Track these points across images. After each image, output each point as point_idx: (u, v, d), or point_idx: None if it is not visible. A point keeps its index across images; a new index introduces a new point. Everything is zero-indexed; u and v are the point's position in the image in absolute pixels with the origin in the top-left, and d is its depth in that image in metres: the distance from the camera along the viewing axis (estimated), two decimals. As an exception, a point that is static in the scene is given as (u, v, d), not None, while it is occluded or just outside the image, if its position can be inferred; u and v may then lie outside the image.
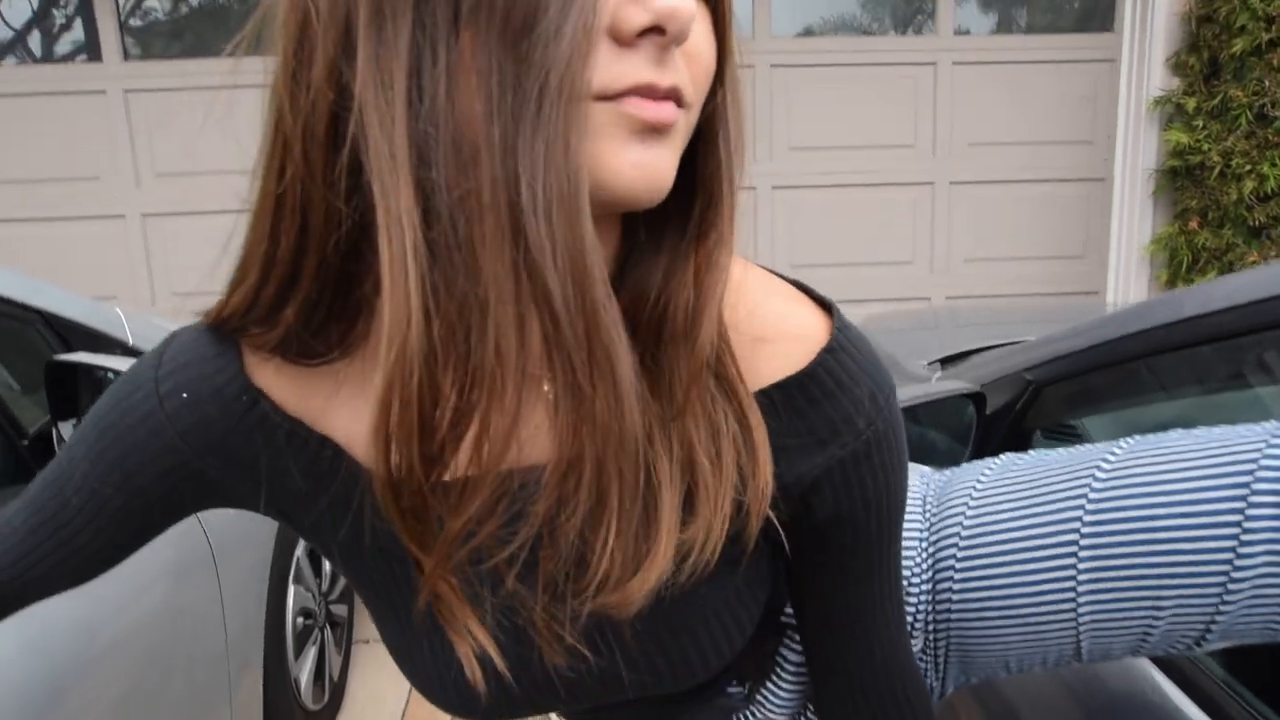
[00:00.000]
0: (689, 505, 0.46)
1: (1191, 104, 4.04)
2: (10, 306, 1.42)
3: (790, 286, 0.53)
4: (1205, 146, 4.00)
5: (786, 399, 0.49)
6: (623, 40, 0.38)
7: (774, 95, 4.37)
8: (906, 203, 4.51)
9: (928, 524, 0.73)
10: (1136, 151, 4.41)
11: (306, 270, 0.43)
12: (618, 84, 0.38)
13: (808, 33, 4.47)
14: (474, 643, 0.46)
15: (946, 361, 2.00)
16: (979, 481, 0.72)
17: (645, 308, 0.44)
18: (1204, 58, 4.04)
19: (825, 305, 0.52)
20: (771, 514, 0.51)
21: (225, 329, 0.49)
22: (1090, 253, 4.63)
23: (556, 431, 0.39)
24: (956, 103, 4.44)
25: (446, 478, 0.41)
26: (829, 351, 0.49)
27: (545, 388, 0.43)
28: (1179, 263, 4.20)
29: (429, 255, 0.37)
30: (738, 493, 0.47)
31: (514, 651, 0.52)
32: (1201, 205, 4.11)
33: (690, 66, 0.42)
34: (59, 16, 4.29)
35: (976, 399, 1.41)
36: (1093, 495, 0.62)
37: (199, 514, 1.61)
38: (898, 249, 4.54)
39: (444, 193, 0.36)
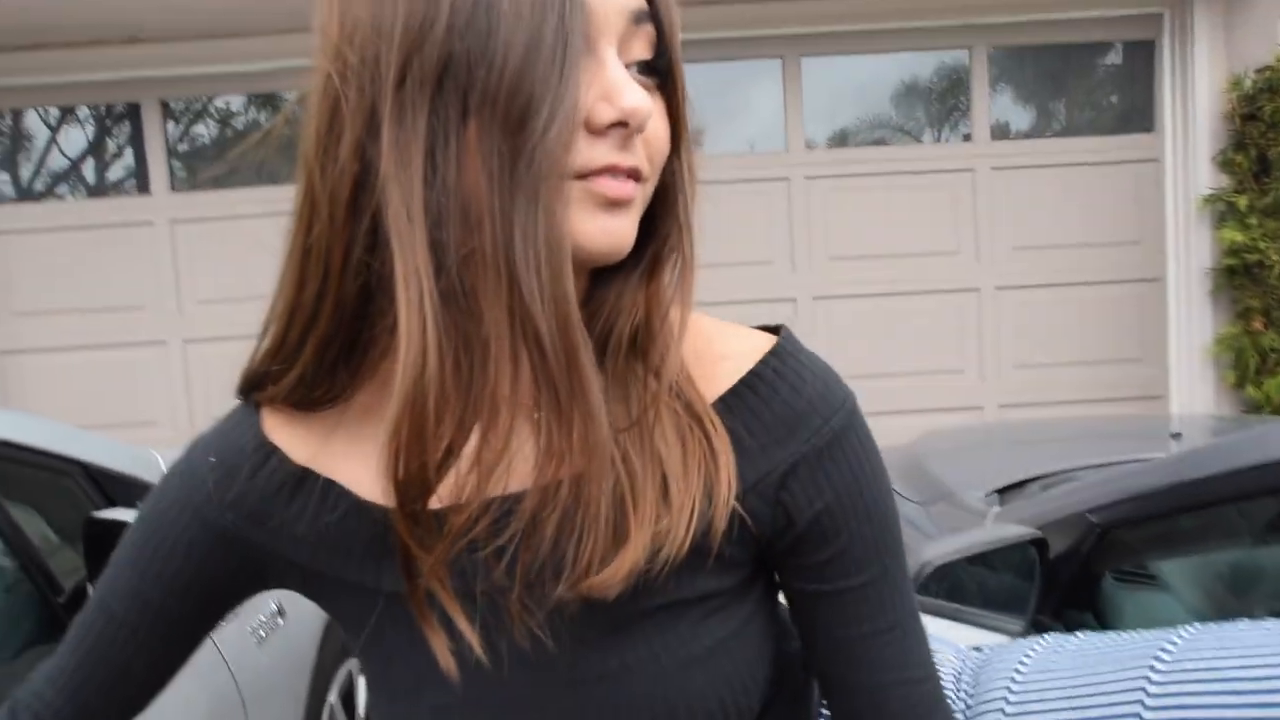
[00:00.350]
0: (664, 501, 0.51)
1: (1243, 202, 3.93)
2: (49, 458, 1.44)
3: (746, 327, 0.60)
4: (1262, 244, 3.86)
5: (740, 401, 0.55)
6: (595, 130, 0.48)
7: (810, 206, 4.34)
8: (952, 310, 4.39)
9: (963, 704, 0.71)
10: (1189, 250, 4.27)
11: (325, 312, 0.51)
12: (591, 165, 0.48)
13: (841, 140, 4.47)
14: (453, 644, 0.51)
15: (1005, 491, 1.84)
16: (1019, 670, 0.69)
17: (606, 331, 0.53)
18: (1252, 155, 3.94)
19: (776, 330, 0.59)
20: (749, 523, 0.54)
21: (249, 383, 0.57)
22: (1149, 355, 4.44)
23: (542, 446, 0.47)
24: (997, 207, 4.36)
25: (447, 485, 0.47)
26: (774, 354, 0.56)
27: (536, 415, 0.49)
28: (1245, 364, 4.00)
29: (440, 302, 0.45)
30: (707, 487, 0.52)
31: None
32: (1264, 304, 3.94)
33: (647, 149, 0.51)
34: (112, 146, 4.47)
35: (1038, 544, 1.26)
36: (1149, 702, 0.60)
37: (229, 661, 1.58)
38: (946, 357, 4.40)
39: (453, 251, 0.45)
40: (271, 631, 1.79)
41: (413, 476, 0.46)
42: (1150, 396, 4.45)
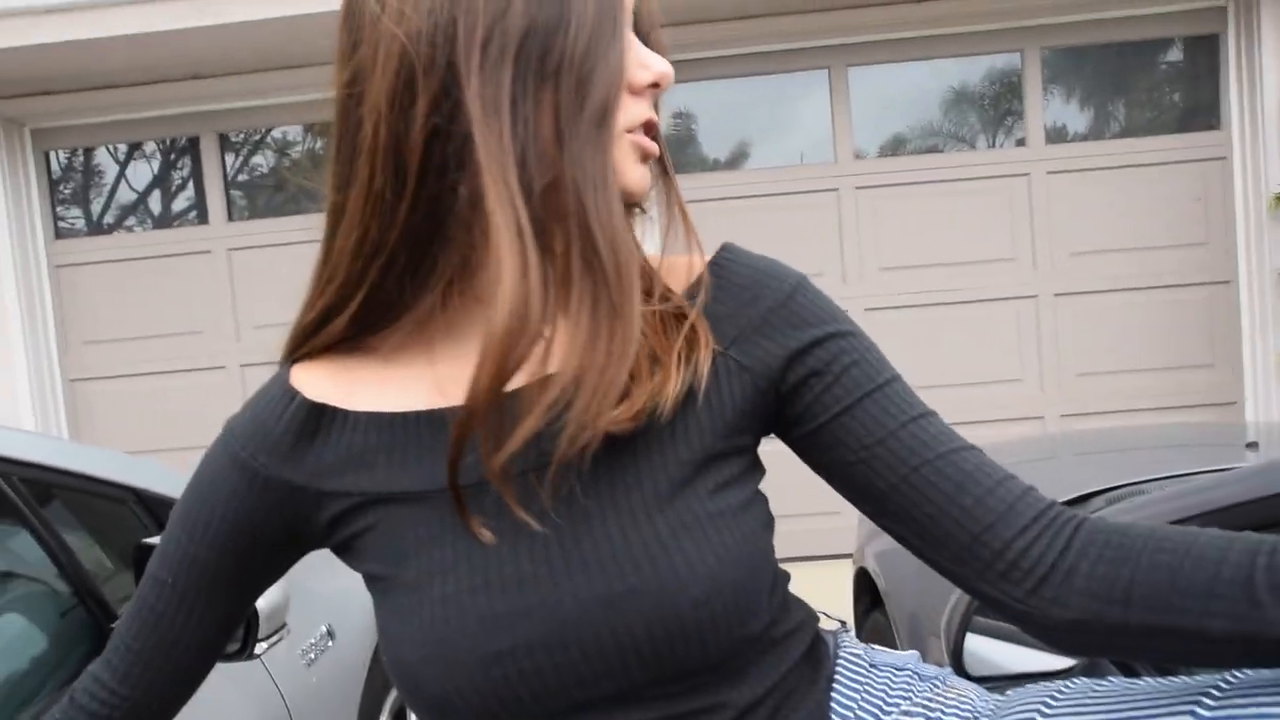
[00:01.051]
0: (656, 367, 0.60)
1: (1318, 199, 3.76)
2: (104, 485, 1.47)
3: None
4: (1340, 242, 3.69)
5: (704, 284, 0.63)
6: (635, 91, 0.59)
7: (860, 217, 4.28)
8: (1009, 318, 4.28)
9: None
10: (1261, 251, 4.11)
11: (390, 242, 0.58)
12: (633, 121, 0.59)
13: (892, 149, 4.40)
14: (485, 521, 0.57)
15: (1069, 507, 1.77)
16: (1047, 706, 0.64)
17: None
18: (1327, 150, 3.78)
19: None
20: (744, 374, 0.62)
21: (295, 342, 0.65)
22: (1220, 360, 4.27)
23: (585, 335, 0.55)
24: (1054, 212, 4.25)
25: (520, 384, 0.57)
26: (723, 250, 0.66)
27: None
28: (1325, 369, 3.82)
29: (530, 221, 0.54)
30: (691, 351, 0.60)
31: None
32: (1344, 305, 3.76)
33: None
34: (176, 178, 4.61)
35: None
36: None
37: (278, 683, 1.59)
38: (1004, 367, 4.29)
39: (536, 182, 0.55)
40: (321, 653, 1.80)
41: (512, 365, 0.54)
42: (1223, 403, 4.28)
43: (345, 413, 0.62)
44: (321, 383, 0.64)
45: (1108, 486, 1.86)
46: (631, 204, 0.61)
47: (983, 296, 4.27)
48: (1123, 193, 4.23)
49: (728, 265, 0.65)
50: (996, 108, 4.44)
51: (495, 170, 0.54)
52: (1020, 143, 4.34)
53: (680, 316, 0.62)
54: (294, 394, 0.63)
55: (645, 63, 0.60)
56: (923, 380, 4.17)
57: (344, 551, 0.64)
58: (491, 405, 0.55)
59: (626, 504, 0.58)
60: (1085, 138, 4.40)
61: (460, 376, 0.58)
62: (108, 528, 1.53)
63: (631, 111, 0.59)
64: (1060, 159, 4.27)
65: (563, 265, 0.56)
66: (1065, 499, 1.84)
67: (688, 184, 4.28)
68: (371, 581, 0.62)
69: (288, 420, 0.63)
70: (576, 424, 0.55)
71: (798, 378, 0.62)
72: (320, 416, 0.63)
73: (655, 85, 0.60)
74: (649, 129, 0.61)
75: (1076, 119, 4.44)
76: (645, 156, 0.61)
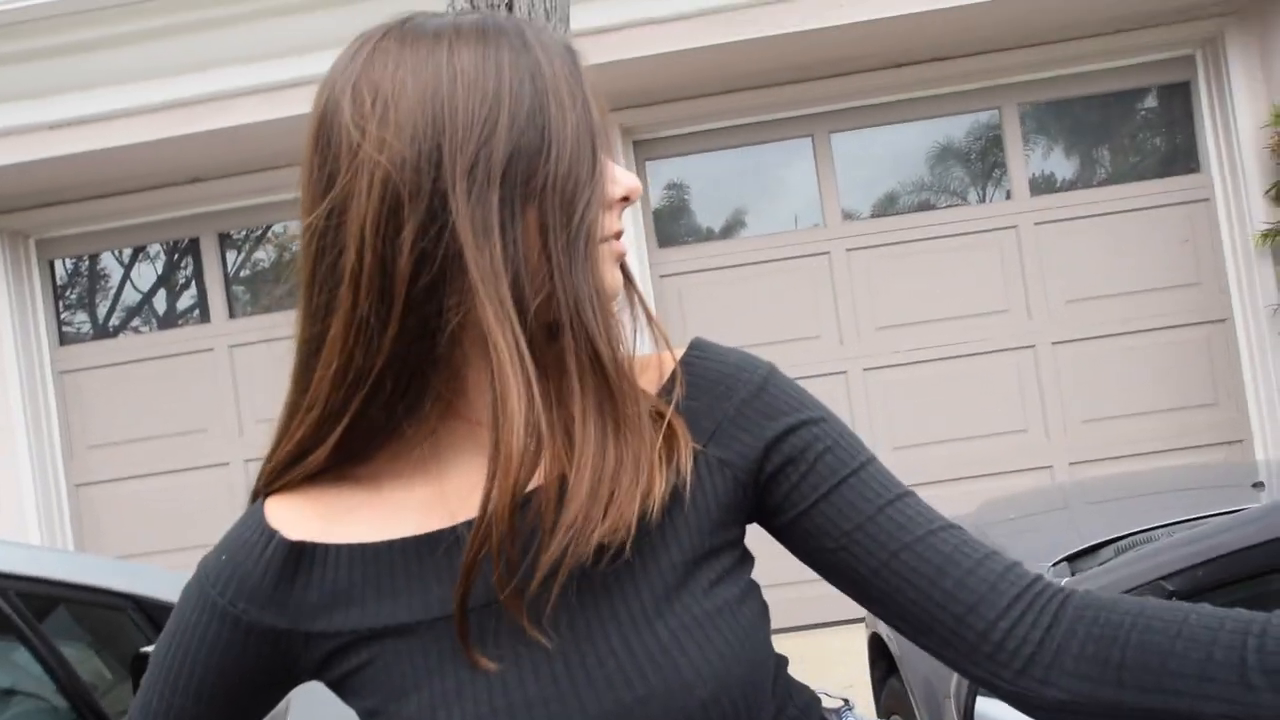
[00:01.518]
0: (638, 473, 0.59)
1: (1303, 233, 3.79)
2: (101, 594, 1.46)
3: None
4: (1331, 275, 3.71)
5: (677, 382, 0.64)
6: (608, 206, 0.62)
7: (853, 278, 4.32)
8: (1009, 369, 4.28)
9: None
10: (1253, 287, 4.13)
11: (375, 370, 0.58)
12: (609, 231, 0.62)
13: (879, 210, 4.46)
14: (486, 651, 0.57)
15: (1074, 559, 1.75)
16: None
17: None
18: (1306, 186, 3.82)
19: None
20: (725, 472, 0.63)
21: (270, 478, 0.63)
22: (1224, 398, 4.26)
23: (594, 440, 0.57)
24: (1045, 262, 4.29)
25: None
26: (693, 347, 0.68)
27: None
28: (1330, 401, 3.81)
29: (528, 340, 0.56)
30: (672, 454, 0.61)
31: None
32: (1342, 337, 3.76)
33: None
34: (179, 278, 4.68)
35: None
36: None
37: None
38: (1008, 418, 4.27)
39: (529, 300, 0.57)
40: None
41: (524, 486, 0.55)
42: (1231, 441, 4.24)
43: (327, 548, 0.61)
44: (299, 517, 0.62)
45: (1118, 535, 1.84)
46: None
47: (981, 349, 4.28)
48: (1111, 238, 4.27)
49: (699, 361, 0.66)
50: (983, 161, 4.52)
51: (490, 291, 0.55)
52: (1007, 195, 4.40)
53: (656, 415, 0.62)
54: (272, 533, 0.61)
55: (617, 179, 0.62)
56: (927, 437, 4.17)
57: (338, 688, 0.62)
58: (509, 527, 0.54)
59: (626, 613, 0.58)
60: (1070, 187, 4.46)
61: (450, 499, 0.59)
62: (107, 636, 1.53)
63: (608, 223, 0.62)
64: (1046, 209, 4.33)
65: (558, 378, 0.57)
66: (1077, 550, 1.82)
67: (683, 255, 4.34)
68: (370, 718, 0.60)
69: (266, 562, 0.61)
70: (577, 535, 0.55)
71: (774, 467, 0.62)
72: (300, 555, 0.61)
73: (625, 199, 0.63)
74: (619, 236, 0.64)
75: (1060, 169, 4.51)
76: (618, 259, 0.64)
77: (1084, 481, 3.50)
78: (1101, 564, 1.61)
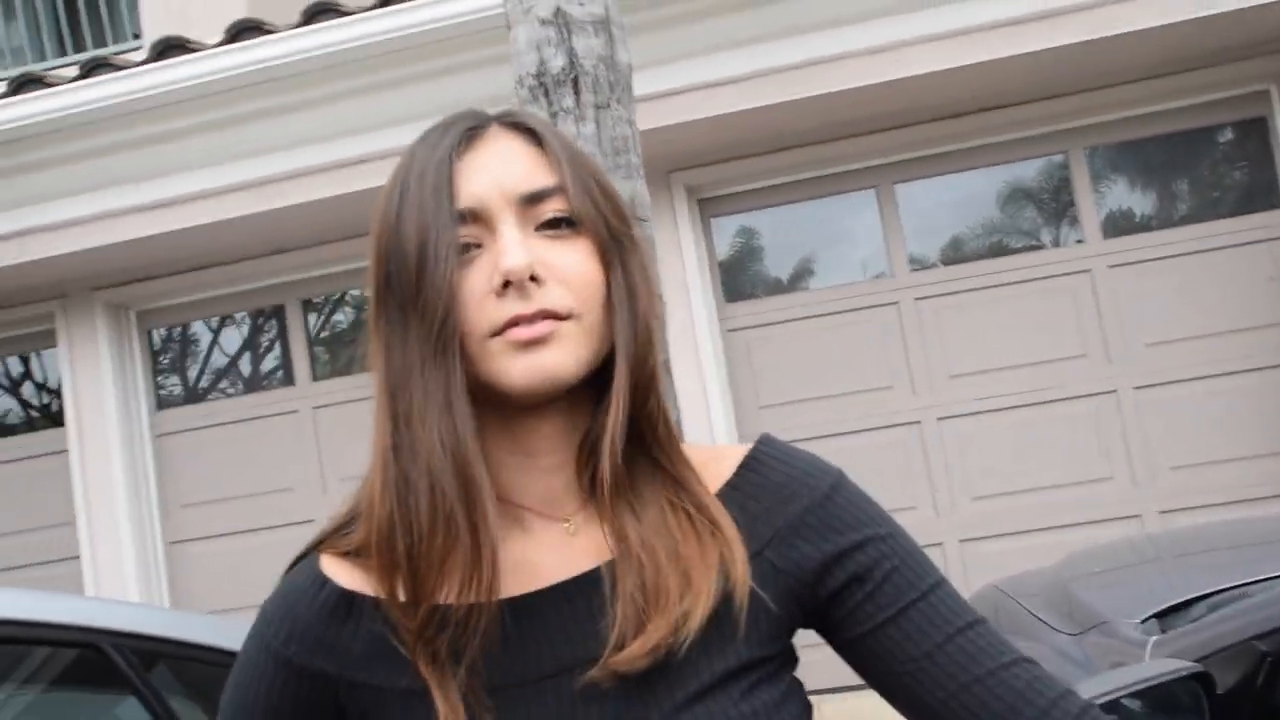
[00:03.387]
0: (686, 588, 0.58)
1: (1399, 269, 3.64)
2: (204, 651, 1.54)
3: None
4: None
5: (742, 480, 0.64)
6: (497, 293, 0.59)
7: (923, 327, 4.29)
8: (1088, 416, 4.17)
9: None
10: (1346, 326, 3.96)
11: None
12: (498, 323, 0.59)
13: (947, 259, 4.43)
14: None
15: (1164, 616, 1.70)
16: None
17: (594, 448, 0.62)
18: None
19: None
20: (778, 579, 0.61)
21: (320, 539, 0.67)
22: (1324, 443, 4.07)
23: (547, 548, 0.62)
24: (1121, 305, 4.19)
25: (446, 601, 0.58)
26: (762, 443, 0.66)
27: (565, 524, 0.63)
28: None
29: (392, 452, 0.59)
30: (723, 568, 0.59)
31: None
32: None
33: (565, 286, 0.60)
34: (264, 342, 4.89)
35: (1202, 680, 1.15)
36: None
37: None
38: (1091, 466, 4.15)
39: (400, 415, 0.59)
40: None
41: (406, 589, 0.58)
42: (1334, 488, 4.04)
43: (376, 600, 0.62)
44: (347, 572, 0.64)
45: (1211, 590, 1.78)
46: (530, 401, 0.60)
47: (1059, 396, 4.18)
48: (1190, 279, 4.16)
49: (765, 460, 0.65)
50: (1053, 204, 4.46)
51: (380, 399, 0.60)
52: (1079, 240, 4.33)
53: (703, 507, 0.61)
54: (324, 580, 0.64)
55: (494, 265, 0.59)
56: (1005, 487, 4.08)
57: None
58: (417, 625, 0.59)
59: (658, 713, 0.58)
60: (1144, 228, 4.37)
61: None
62: (208, 692, 1.59)
63: (495, 315, 0.58)
64: (1120, 252, 4.24)
65: (424, 489, 0.58)
66: (1167, 605, 1.77)
67: (750, 310, 4.37)
68: None
69: (319, 606, 0.63)
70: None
71: (837, 584, 0.61)
72: (351, 604, 0.63)
73: (508, 283, 0.58)
74: (530, 319, 0.58)
75: (1133, 210, 4.43)
76: (526, 345, 0.58)
77: (1175, 532, 3.37)
78: (1193, 621, 1.56)
